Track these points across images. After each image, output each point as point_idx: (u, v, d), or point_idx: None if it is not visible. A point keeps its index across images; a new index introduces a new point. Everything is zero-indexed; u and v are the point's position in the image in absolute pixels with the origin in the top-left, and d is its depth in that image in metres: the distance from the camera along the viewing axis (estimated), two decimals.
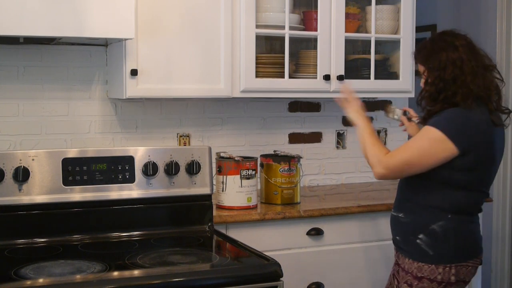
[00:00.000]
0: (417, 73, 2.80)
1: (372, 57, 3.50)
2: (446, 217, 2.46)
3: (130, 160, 2.77)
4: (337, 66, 3.39)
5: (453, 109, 2.43)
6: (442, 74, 2.46)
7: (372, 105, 3.94)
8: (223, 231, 2.90)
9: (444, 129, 2.39)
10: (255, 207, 3.09)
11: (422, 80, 2.57)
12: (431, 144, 2.41)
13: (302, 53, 3.48)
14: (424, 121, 2.52)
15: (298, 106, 3.75)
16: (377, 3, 3.51)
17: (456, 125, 2.41)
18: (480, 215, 2.60)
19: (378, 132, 3.94)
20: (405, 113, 2.87)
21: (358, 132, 2.68)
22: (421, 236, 2.48)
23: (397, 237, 2.60)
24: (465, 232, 2.50)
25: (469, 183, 2.46)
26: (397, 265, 2.61)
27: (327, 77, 3.36)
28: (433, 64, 2.49)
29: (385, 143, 2.83)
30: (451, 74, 2.44)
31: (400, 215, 2.58)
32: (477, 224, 2.56)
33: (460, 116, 2.42)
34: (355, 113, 2.73)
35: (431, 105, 2.50)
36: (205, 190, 2.88)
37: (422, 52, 2.56)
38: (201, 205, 2.87)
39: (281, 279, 2.35)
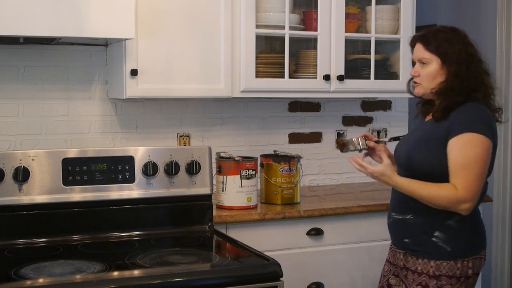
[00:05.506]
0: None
1: (372, 57, 3.50)
2: None
3: (130, 160, 2.77)
4: (337, 66, 3.39)
5: (475, 105, 2.44)
6: (461, 68, 2.45)
7: (372, 105, 3.94)
8: (223, 231, 2.90)
9: (480, 130, 2.38)
10: (255, 207, 3.09)
11: (423, 68, 2.51)
12: (483, 150, 2.38)
13: (302, 53, 3.48)
14: (440, 116, 2.47)
15: (298, 106, 3.75)
16: (377, 3, 3.51)
17: (485, 122, 2.42)
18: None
19: (378, 132, 3.95)
20: (365, 138, 2.73)
21: (401, 189, 2.49)
22: (437, 233, 2.46)
23: (406, 240, 2.54)
24: (477, 223, 2.52)
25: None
26: (404, 269, 2.56)
27: (327, 77, 3.36)
28: (452, 56, 2.46)
29: (385, 143, 2.78)
30: (470, 69, 2.45)
31: (407, 216, 2.53)
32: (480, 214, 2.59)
33: (484, 113, 2.43)
34: (376, 177, 2.53)
35: (446, 98, 2.46)
36: (205, 190, 2.88)
37: (439, 41, 2.49)
38: (201, 205, 2.87)
39: (281, 279, 2.35)
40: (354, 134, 3.82)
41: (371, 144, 2.74)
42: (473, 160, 2.37)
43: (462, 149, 2.39)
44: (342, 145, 2.80)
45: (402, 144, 2.64)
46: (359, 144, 2.74)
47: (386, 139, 2.74)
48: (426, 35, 2.54)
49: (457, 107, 2.44)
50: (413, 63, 2.59)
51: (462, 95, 2.45)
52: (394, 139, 2.81)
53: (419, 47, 2.54)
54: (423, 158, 2.48)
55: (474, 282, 2.51)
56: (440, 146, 2.43)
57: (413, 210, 2.52)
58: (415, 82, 2.56)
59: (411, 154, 2.52)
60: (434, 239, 2.47)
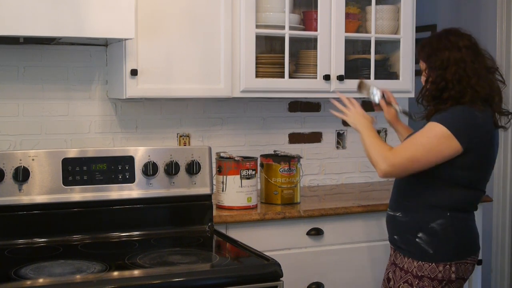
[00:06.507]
0: (418, 72, 2.80)
1: (372, 57, 3.50)
2: (445, 215, 2.47)
3: (130, 160, 2.77)
4: (337, 66, 3.39)
5: (461, 107, 2.43)
6: (443, 74, 2.46)
7: (372, 105, 3.93)
8: (223, 231, 2.90)
9: (450, 126, 2.39)
10: (255, 207, 3.09)
11: (423, 78, 2.58)
12: (437, 141, 2.39)
13: (302, 53, 3.48)
14: (428, 118, 2.52)
15: (298, 106, 3.75)
16: (377, 3, 3.51)
17: (462, 123, 2.41)
18: (477, 213, 2.62)
19: (378, 132, 3.94)
20: (383, 95, 2.81)
21: (360, 137, 2.65)
22: (420, 234, 2.49)
23: (395, 236, 2.59)
24: (464, 230, 2.51)
25: (469, 182, 2.47)
26: (394, 265, 2.60)
27: (327, 77, 3.36)
28: (435, 63, 2.49)
29: (396, 112, 2.83)
30: (454, 74, 2.44)
31: (397, 214, 2.57)
32: (474, 221, 2.57)
33: (466, 115, 2.42)
34: (356, 117, 2.71)
35: (434, 104, 2.49)
36: (205, 190, 2.88)
37: (426, 49, 2.54)
38: (201, 205, 2.87)
39: (281, 279, 2.35)
40: (355, 134, 3.84)
41: (382, 102, 2.81)
42: (420, 143, 2.43)
43: (421, 131, 2.46)
44: (360, 86, 2.90)
45: None
46: (372, 94, 2.83)
47: (398, 108, 2.80)
48: (421, 45, 2.60)
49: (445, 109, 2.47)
50: None
51: (442, 100, 2.47)
52: (404, 112, 2.85)
53: None
54: None
55: (460, 286, 2.51)
56: None
57: (403, 209, 2.56)
58: None
59: None
60: (417, 239, 2.49)
